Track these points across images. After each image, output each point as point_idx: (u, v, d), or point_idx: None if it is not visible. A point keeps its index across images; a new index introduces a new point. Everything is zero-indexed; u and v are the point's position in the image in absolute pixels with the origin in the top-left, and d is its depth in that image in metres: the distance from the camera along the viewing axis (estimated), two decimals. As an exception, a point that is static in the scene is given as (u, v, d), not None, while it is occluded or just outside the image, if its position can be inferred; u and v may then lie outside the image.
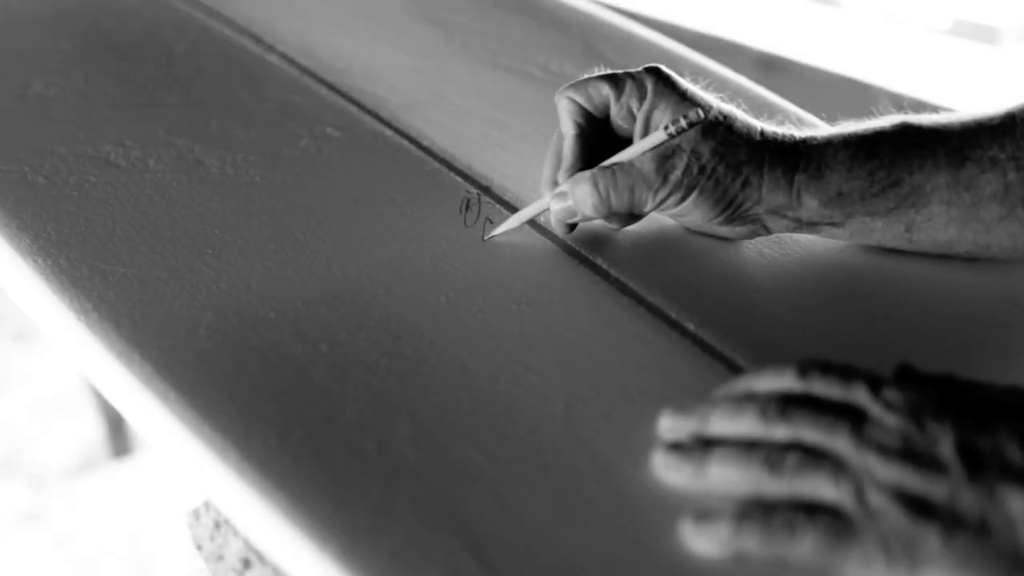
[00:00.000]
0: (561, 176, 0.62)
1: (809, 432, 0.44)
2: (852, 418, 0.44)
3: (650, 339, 0.56)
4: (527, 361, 0.54)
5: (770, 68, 1.46)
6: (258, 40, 0.90)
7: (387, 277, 0.60)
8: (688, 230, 0.64)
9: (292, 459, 0.47)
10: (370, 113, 0.78)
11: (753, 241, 0.63)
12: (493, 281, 0.60)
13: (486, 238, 0.63)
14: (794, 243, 0.64)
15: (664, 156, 0.58)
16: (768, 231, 0.62)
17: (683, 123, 0.56)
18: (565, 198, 0.61)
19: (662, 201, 0.59)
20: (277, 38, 0.90)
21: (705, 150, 0.58)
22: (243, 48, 0.88)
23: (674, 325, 0.57)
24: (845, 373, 0.46)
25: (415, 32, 0.93)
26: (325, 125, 0.76)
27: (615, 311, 0.58)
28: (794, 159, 0.59)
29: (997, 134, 0.58)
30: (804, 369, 0.47)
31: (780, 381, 0.47)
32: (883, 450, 0.42)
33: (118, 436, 1.68)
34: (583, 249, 0.63)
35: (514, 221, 0.64)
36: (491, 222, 0.65)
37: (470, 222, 0.65)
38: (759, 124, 0.60)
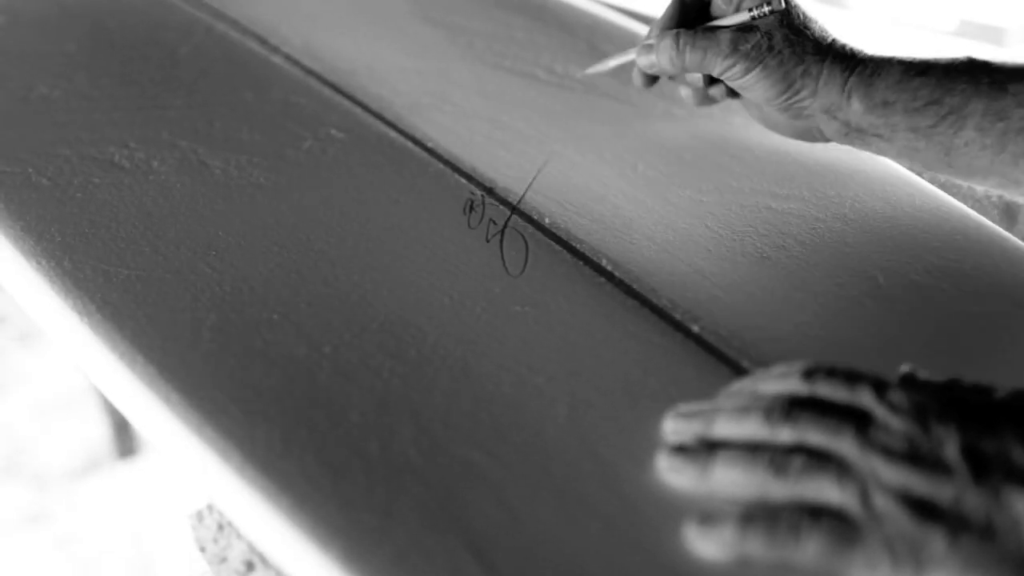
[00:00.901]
0: (653, 31, 0.68)
1: (814, 435, 0.44)
2: (857, 421, 0.44)
3: (654, 341, 0.56)
4: (530, 363, 0.54)
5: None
6: (263, 42, 0.90)
7: (390, 278, 0.60)
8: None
9: (295, 461, 0.47)
10: (374, 115, 0.78)
11: (757, 244, 0.63)
12: (497, 283, 0.60)
13: (581, 75, 0.72)
14: (798, 244, 0.64)
15: (741, 31, 0.64)
16: (822, 134, 0.66)
17: (765, 9, 0.63)
18: (650, 51, 0.68)
19: (728, 68, 0.64)
20: (282, 40, 0.90)
21: (778, 34, 0.64)
22: (247, 50, 0.88)
23: (678, 327, 0.57)
24: (850, 376, 0.46)
25: (419, 34, 0.93)
26: (329, 127, 0.76)
27: (619, 313, 0.58)
28: (852, 63, 0.63)
29: None
30: (809, 372, 0.47)
31: (785, 384, 0.47)
32: (888, 453, 0.42)
33: (122, 438, 1.68)
34: (587, 251, 0.63)
35: (603, 66, 0.73)
36: (495, 223, 0.65)
37: (474, 223, 0.65)
38: (833, 35, 0.66)
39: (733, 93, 0.71)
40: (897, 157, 0.64)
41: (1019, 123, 0.59)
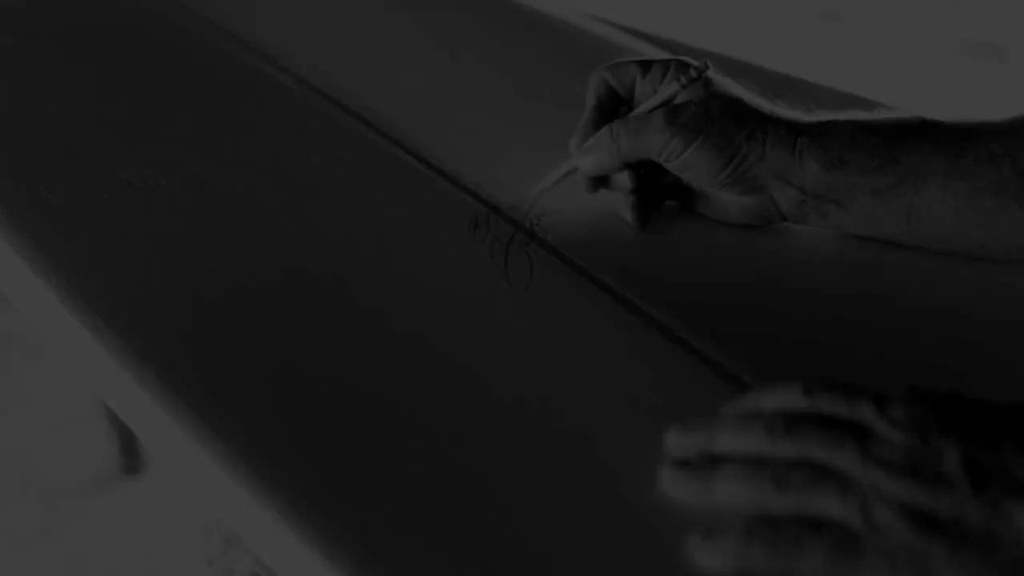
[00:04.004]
0: (578, 143, 0.66)
1: (815, 449, 0.44)
2: (858, 435, 0.44)
3: (658, 357, 0.56)
4: (535, 378, 0.54)
5: (781, 87, 1.46)
6: (270, 61, 0.90)
7: (396, 295, 0.60)
8: (699, 221, 0.67)
9: (303, 475, 0.48)
10: (380, 133, 0.79)
11: (761, 259, 0.64)
12: (502, 299, 0.60)
13: (530, 196, 0.69)
14: (800, 265, 0.64)
15: (675, 107, 0.62)
16: (776, 207, 0.63)
17: (692, 72, 0.62)
18: (589, 151, 0.65)
19: (665, 144, 0.61)
20: (288, 59, 0.91)
21: (714, 104, 0.62)
22: (255, 69, 0.89)
23: (681, 343, 0.57)
24: (850, 391, 0.46)
25: (426, 53, 0.94)
26: (336, 145, 0.77)
27: (623, 329, 0.58)
28: (798, 124, 0.62)
29: (996, 132, 0.59)
30: (810, 387, 0.47)
31: (786, 399, 0.48)
32: (889, 466, 0.42)
33: (130, 454, 1.69)
34: (591, 267, 0.63)
35: (548, 181, 0.68)
36: (499, 240, 0.65)
37: (479, 241, 0.65)
38: (770, 103, 0.64)
39: (683, 199, 0.68)
40: (855, 227, 0.63)
41: (984, 182, 0.58)
